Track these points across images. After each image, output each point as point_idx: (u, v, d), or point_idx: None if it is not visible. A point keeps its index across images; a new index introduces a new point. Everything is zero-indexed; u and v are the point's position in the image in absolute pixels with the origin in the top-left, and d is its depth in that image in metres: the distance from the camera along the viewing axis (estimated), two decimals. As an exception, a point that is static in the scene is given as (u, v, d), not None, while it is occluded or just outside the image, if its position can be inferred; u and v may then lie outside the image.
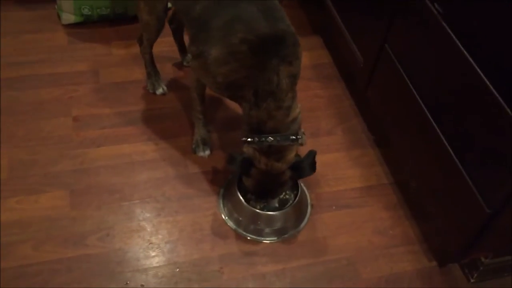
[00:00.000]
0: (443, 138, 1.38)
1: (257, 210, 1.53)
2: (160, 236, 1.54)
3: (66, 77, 1.96)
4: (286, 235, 1.57)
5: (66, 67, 2.00)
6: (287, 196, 1.61)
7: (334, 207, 1.68)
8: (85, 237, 1.51)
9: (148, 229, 1.55)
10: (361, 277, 1.52)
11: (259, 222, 1.54)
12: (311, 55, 2.19)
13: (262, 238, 1.56)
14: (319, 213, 1.65)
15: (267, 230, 1.55)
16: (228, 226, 1.58)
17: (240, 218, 1.56)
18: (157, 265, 1.48)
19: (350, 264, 1.54)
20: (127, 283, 1.43)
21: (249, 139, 1.39)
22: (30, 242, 1.49)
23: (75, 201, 1.59)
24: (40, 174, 1.64)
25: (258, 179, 1.43)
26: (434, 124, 1.41)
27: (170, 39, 2.05)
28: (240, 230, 1.57)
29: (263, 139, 1.35)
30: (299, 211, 1.61)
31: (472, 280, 1.53)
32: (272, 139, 1.35)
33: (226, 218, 1.59)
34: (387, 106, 1.71)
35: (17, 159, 1.67)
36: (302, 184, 1.65)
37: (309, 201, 1.66)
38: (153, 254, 1.50)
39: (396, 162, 1.80)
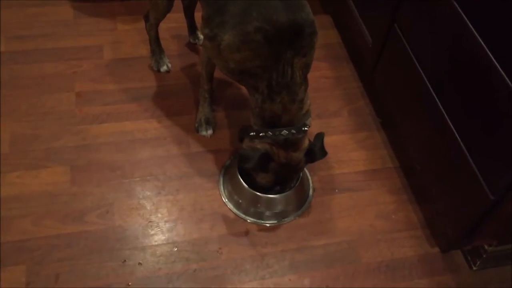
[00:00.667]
0: (449, 121, 1.35)
1: (257, 193, 1.51)
2: (159, 215, 1.53)
3: (70, 52, 1.94)
4: (286, 219, 1.55)
5: (71, 41, 1.98)
6: None
7: (336, 190, 1.65)
8: (85, 214, 1.51)
9: (148, 207, 1.55)
10: (361, 261, 1.50)
11: (259, 205, 1.52)
12: (320, 35, 2.09)
13: (262, 221, 1.54)
14: (321, 196, 1.63)
15: (267, 213, 1.53)
16: (228, 207, 1.57)
17: (240, 201, 1.55)
18: (156, 243, 1.47)
19: (350, 248, 1.53)
20: (125, 261, 1.43)
21: (261, 134, 1.36)
22: (30, 217, 1.49)
23: (75, 177, 1.58)
24: (42, 149, 1.64)
25: (277, 172, 1.40)
26: (441, 107, 1.38)
27: (177, 15, 2.02)
28: (240, 213, 1.55)
29: (278, 133, 1.32)
30: (301, 194, 1.59)
31: (474, 268, 1.51)
32: (287, 132, 1.32)
33: (226, 200, 1.57)
34: (394, 88, 1.67)
35: (18, 133, 1.67)
36: (304, 169, 1.63)
37: (311, 184, 1.64)
38: (152, 232, 1.49)
39: (402, 146, 1.76)
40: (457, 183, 1.37)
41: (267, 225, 1.54)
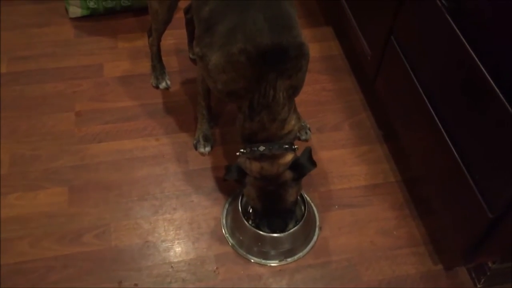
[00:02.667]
0: (446, 137, 1.31)
1: (261, 232, 1.45)
2: (156, 235, 1.52)
3: (71, 71, 1.95)
4: (289, 259, 1.49)
5: (72, 61, 1.99)
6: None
7: (336, 206, 1.62)
8: (82, 234, 1.51)
9: (145, 227, 1.54)
10: (362, 279, 1.47)
11: (259, 244, 1.47)
12: (321, 47, 2.12)
13: (266, 261, 1.48)
14: (321, 213, 1.60)
15: (272, 252, 1.48)
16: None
17: (241, 237, 1.50)
18: (152, 264, 1.46)
19: (350, 266, 1.49)
20: (121, 282, 1.42)
21: (241, 150, 1.36)
22: (28, 239, 1.49)
23: (73, 197, 1.58)
24: (40, 170, 1.64)
25: (256, 186, 1.37)
26: (438, 122, 1.34)
27: (178, 31, 2.03)
28: (242, 251, 1.50)
29: (255, 148, 1.31)
30: (307, 233, 1.53)
31: (479, 286, 1.47)
32: (264, 148, 1.31)
33: (227, 235, 1.53)
34: (393, 100, 1.64)
35: (18, 154, 1.68)
36: (311, 203, 1.60)
37: (317, 223, 1.57)
38: (149, 252, 1.48)
39: (404, 159, 1.73)
40: (457, 200, 1.34)
41: (272, 265, 1.48)
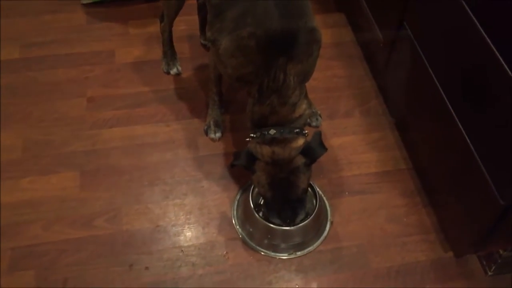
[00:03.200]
0: (459, 124, 1.30)
1: (271, 225, 1.45)
2: (167, 219, 1.54)
3: (83, 57, 1.96)
4: (299, 253, 1.48)
5: (84, 47, 2.00)
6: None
7: (347, 193, 1.62)
8: (93, 219, 1.52)
9: (156, 212, 1.55)
10: (371, 266, 1.47)
11: (269, 236, 1.47)
12: (333, 33, 2.11)
13: (276, 254, 1.48)
14: (331, 199, 1.60)
15: (282, 245, 1.48)
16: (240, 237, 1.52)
17: (251, 230, 1.50)
18: (162, 248, 1.47)
19: (360, 252, 1.49)
20: (131, 265, 1.44)
21: (251, 135, 1.35)
22: (40, 222, 1.51)
23: (85, 182, 1.60)
24: (53, 154, 1.66)
25: (267, 172, 1.36)
26: (451, 109, 1.33)
27: (189, 17, 2.03)
28: (252, 244, 1.49)
29: (266, 132, 1.31)
30: (318, 226, 1.52)
31: (489, 273, 1.46)
32: (274, 131, 1.30)
33: (238, 227, 1.52)
34: (404, 87, 1.63)
35: (31, 139, 1.70)
36: (323, 196, 1.59)
37: (329, 217, 1.56)
38: (159, 237, 1.50)
39: (415, 146, 1.71)
40: (469, 188, 1.32)
41: (283, 258, 1.48)
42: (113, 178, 1.61)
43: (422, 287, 1.44)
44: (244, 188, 1.60)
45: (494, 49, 1.12)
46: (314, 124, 1.76)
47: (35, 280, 1.40)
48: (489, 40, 1.14)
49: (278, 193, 1.38)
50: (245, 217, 1.52)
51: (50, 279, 1.40)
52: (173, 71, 1.89)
